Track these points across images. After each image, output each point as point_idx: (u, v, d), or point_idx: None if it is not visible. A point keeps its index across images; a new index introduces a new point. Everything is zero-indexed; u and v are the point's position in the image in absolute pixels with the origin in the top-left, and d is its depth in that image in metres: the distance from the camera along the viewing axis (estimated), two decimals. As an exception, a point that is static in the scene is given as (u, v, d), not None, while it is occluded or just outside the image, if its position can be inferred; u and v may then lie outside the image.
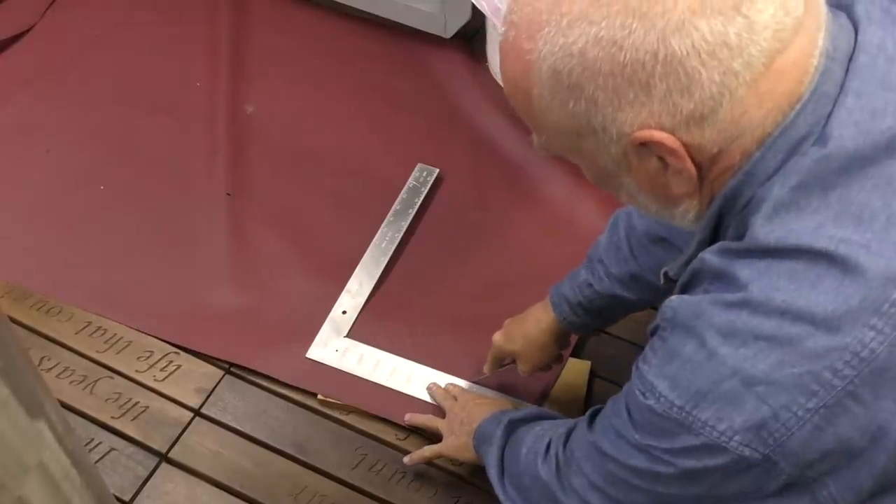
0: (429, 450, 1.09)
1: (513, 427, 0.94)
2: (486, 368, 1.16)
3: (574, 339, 1.20)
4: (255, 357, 1.24)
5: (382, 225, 1.36)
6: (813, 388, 0.58)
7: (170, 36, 1.69)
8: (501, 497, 0.91)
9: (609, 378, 1.21)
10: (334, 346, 1.24)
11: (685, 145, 0.61)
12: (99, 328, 1.27)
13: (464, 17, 1.56)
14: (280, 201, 1.43)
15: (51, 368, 1.23)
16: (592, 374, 1.20)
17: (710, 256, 0.66)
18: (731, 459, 0.61)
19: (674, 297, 0.67)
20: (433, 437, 1.13)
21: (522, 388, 1.19)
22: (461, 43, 1.63)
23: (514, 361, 1.13)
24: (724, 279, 0.64)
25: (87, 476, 0.60)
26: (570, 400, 1.18)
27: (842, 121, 0.60)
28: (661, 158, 0.63)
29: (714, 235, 0.69)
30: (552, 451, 0.83)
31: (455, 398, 1.13)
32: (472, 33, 1.63)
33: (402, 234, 1.35)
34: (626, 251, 1.01)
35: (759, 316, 0.60)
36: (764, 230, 0.61)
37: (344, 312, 1.27)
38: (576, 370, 1.20)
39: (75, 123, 1.54)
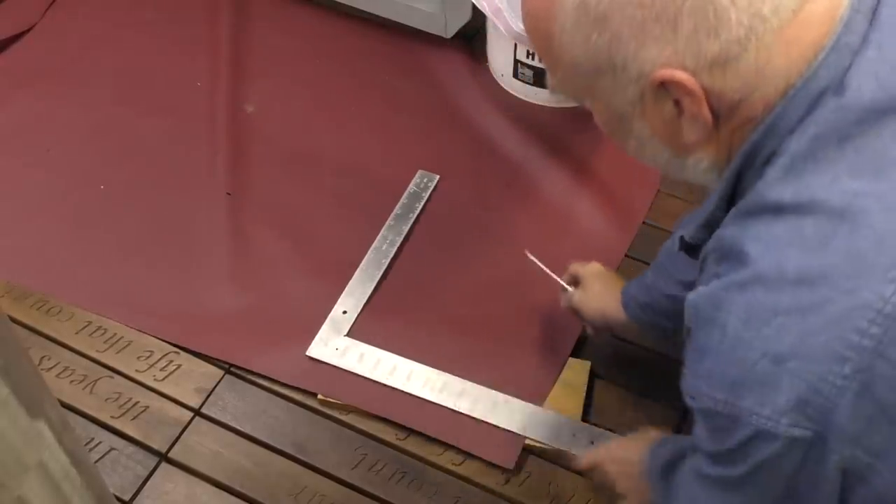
0: None
1: (666, 473, 0.87)
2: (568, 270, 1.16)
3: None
4: (255, 357, 1.24)
5: (383, 229, 1.36)
6: (845, 353, 0.57)
7: (170, 36, 1.69)
8: None
9: (609, 378, 1.21)
10: (335, 345, 1.24)
11: (705, 90, 0.61)
12: (99, 328, 1.27)
13: (464, 18, 1.56)
14: (280, 201, 1.43)
15: (51, 368, 1.23)
16: (592, 374, 1.20)
17: (721, 231, 0.65)
18: (784, 444, 0.60)
19: (691, 295, 0.66)
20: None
21: (523, 388, 1.19)
22: (461, 43, 1.63)
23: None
24: (731, 257, 0.63)
25: (87, 476, 0.60)
26: (570, 400, 1.18)
27: (861, 72, 0.59)
28: (677, 103, 0.63)
29: (733, 193, 0.67)
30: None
31: (600, 462, 1.04)
32: (473, 33, 1.63)
33: (402, 238, 1.35)
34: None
35: (773, 291, 0.59)
36: (779, 185, 0.61)
37: (344, 312, 1.27)
38: (576, 370, 1.20)
39: (75, 123, 1.54)
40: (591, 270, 1.14)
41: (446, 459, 1.14)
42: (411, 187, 1.42)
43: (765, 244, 0.60)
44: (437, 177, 1.43)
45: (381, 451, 1.15)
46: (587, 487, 1.11)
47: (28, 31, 1.69)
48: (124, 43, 1.68)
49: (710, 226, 0.70)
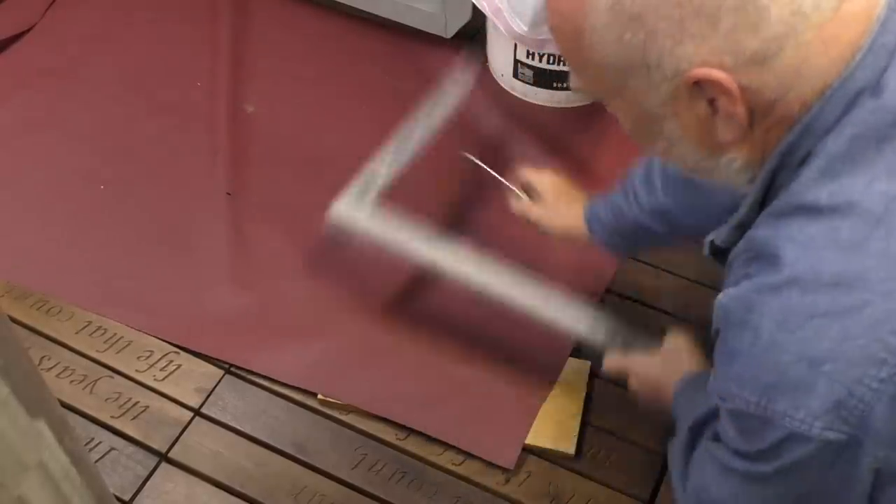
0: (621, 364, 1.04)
1: (697, 432, 0.85)
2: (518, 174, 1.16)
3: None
4: (255, 357, 1.24)
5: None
6: (881, 356, 0.57)
7: (170, 35, 1.69)
8: (679, 495, 0.85)
9: (609, 378, 1.21)
10: (364, 208, 1.21)
11: (741, 88, 0.59)
12: (99, 328, 1.27)
13: (464, 18, 1.56)
14: (280, 201, 1.43)
15: (51, 368, 1.23)
16: (592, 375, 1.20)
17: (753, 232, 0.64)
18: (818, 447, 0.60)
19: (721, 297, 0.65)
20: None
21: (523, 387, 1.19)
22: (462, 43, 1.63)
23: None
24: (763, 259, 0.62)
25: (87, 475, 0.60)
26: (569, 400, 1.18)
27: None
28: (711, 102, 0.61)
29: (765, 197, 0.66)
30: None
31: (640, 379, 1.03)
32: (473, 33, 1.63)
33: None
34: (659, 185, 0.99)
35: (809, 294, 0.58)
36: (815, 186, 0.60)
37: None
38: (576, 370, 1.20)
39: (75, 123, 1.54)
40: (548, 182, 1.14)
41: (446, 459, 1.14)
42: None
43: (800, 246, 0.60)
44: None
45: (381, 450, 1.15)
46: (587, 487, 1.11)
47: (28, 30, 1.69)
48: (124, 43, 1.68)
49: (743, 228, 0.69)
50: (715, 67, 0.59)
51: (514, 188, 1.15)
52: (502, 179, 1.15)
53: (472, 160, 1.15)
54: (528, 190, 1.16)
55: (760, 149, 0.64)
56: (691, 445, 0.84)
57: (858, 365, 0.57)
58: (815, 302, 0.58)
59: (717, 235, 0.72)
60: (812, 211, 0.60)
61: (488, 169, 1.14)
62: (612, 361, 1.06)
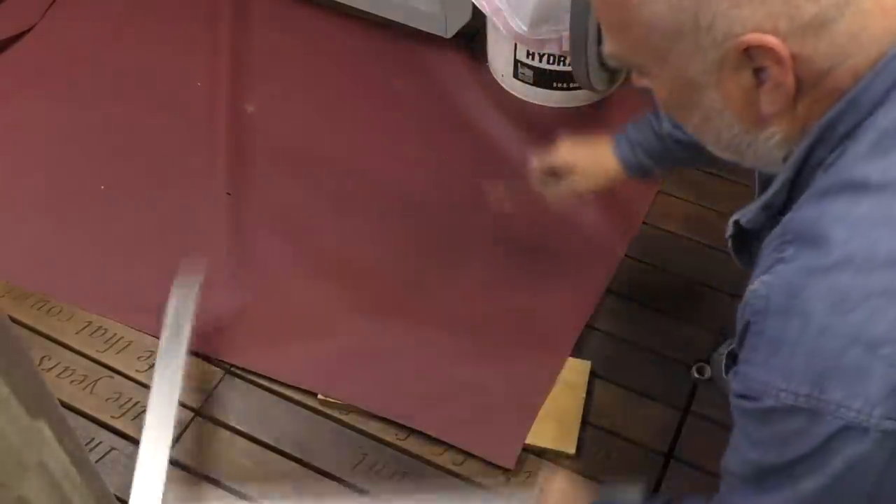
0: None
1: None
2: (536, 162, 1.17)
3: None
4: (256, 357, 1.24)
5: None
6: None
7: (170, 36, 1.69)
8: None
9: (609, 378, 1.21)
10: None
11: (793, 56, 0.57)
12: (99, 328, 1.27)
13: (464, 18, 1.56)
14: (280, 201, 1.43)
15: (51, 368, 1.23)
16: (592, 375, 1.20)
17: (791, 214, 0.60)
18: (876, 440, 0.55)
19: (755, 286, 0.60)
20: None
21: (523, 387, 1.19)
22: (462, 43, 1.63)
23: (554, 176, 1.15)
24: (806, 241, 0.58)
25: (87, 475, 0.60)
26: (570, 400, 1.18)
27: None
28: (757, 72, 0.59)
29: (797, 176, 0.63)
30: None
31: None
32: (473, 33, 1.63)
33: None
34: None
35: (863, 273, 0.55)
36: (864, 162, 0.57)
37: None
38: (576, 370, 1.20)
39: (76, 123, 1.54)
40: (565, 151, 1.15)
41: (447, 459, 1.14)
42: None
43: (849, 226, 0.56)
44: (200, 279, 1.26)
45: (382, 450, 1.15)
46: (587, 487, 1.11)
47: (28, 31, 1.69)
48: (124, 43, 1.68)
49: (770, 210, 0.66)
50: (769, 33, 0.56)
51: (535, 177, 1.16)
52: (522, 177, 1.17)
53: (495, 188, 1.16)
54: (553, 170, 1.16)
55: (801, 123, 0.61)
56: None
57: None
58: (870, 282, 0.54)
59: (743, 215, 0.69)
60: (861, 188, 0.56)
61: (507, 184, 1.15)
62: None
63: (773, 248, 0.61)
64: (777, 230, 0.62)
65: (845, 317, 0.55)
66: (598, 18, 0.66)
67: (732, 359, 0.81)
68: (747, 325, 0.61)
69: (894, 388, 0.54)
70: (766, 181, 0.68)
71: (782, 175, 0.64)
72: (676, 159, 1.06)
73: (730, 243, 0.73)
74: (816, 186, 0.60)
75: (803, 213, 0.60)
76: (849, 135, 0.58)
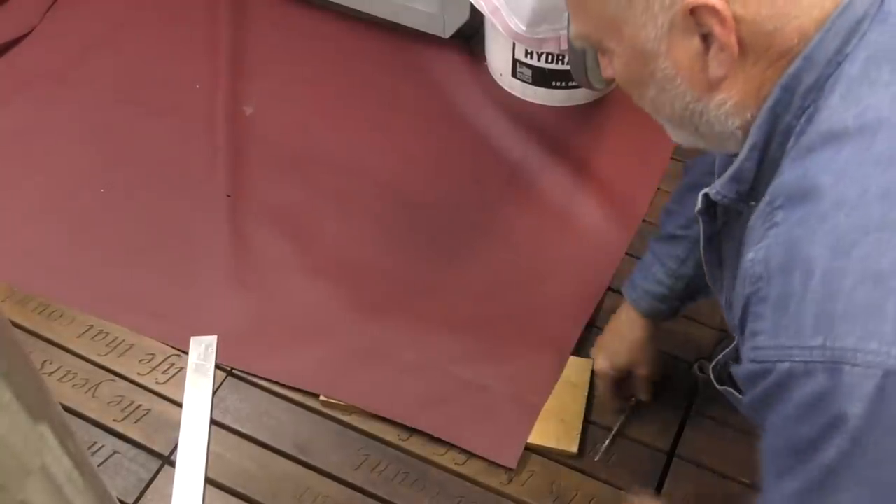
0: None
1: None
2: (609, 400, 1.15)
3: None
4: (257, 359, 1.24)
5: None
6: None
7: (169, 38, 1.69)
8: None
9: (611, 376, 1.21)
10: None
11: (736, 18, 0.60)
12: (101, 331, 1.27)
13: (462, 17, 1.56)
14: (280, 202, 1.43)
15: (53, 372, 1.23)
16: (593, 373, 1.20)
17: (777, 180, 0.61)
18: None
19: (751, 255, 0.59)
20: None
21: (525, 386, 1.19)
22: (460, 43, 1.63)
23: (627, 379, 1.13)
24: (797, 197, 0.58)
25: (90, 479, 0.60)
26: (572, 399, 1.18)
27: None
28: (704, 38, 0.62)
29: (768, 145, 0.64)
30: None
31: None
32: (471, 33, 1.63)
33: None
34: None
35: (860, 210, 0.54)
36: (839, 112, 0.58)
37: None
38: (578, 369, 1.20)
39: (75, 126, 1.54)
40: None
41: (449, 459, 1.14)
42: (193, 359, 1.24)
43: (836, 172, 0.56)
44: (215, 337, 1.26)
45: (384, 451, 1.15)
46: (591, 486, 1.11)
47: (27, 34, 1.69)
48: (123, 45, 1.68)
49: (740, 181, 0.67)
50: None
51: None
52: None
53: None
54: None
55: (756, 88, 0.63)
56: None
57: None
58: (868, 216, 0.54)
59: (712, 188, 0.70)
60: (841, 136, 0.57)
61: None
62: None
63: (763, 220, 0.61)
64: (763, 203, 0.62)
65: (848, 256, 0.53)
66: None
67: (730, 361, 0.80)
68: (748, 300, 0.60)
69: None
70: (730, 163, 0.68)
71: (749, 140, 0.65)
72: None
73: (701, 226, 0.75)
74: (798, 148, 0.61)
75: (787, 175, 0.60)
76: (814, 93, 0.60)
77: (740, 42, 0.61)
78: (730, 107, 0.65)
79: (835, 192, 0.56)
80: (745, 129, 0.66)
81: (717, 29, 0.60)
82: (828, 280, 0.54)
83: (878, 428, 0.53)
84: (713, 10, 0.59)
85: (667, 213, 1.05)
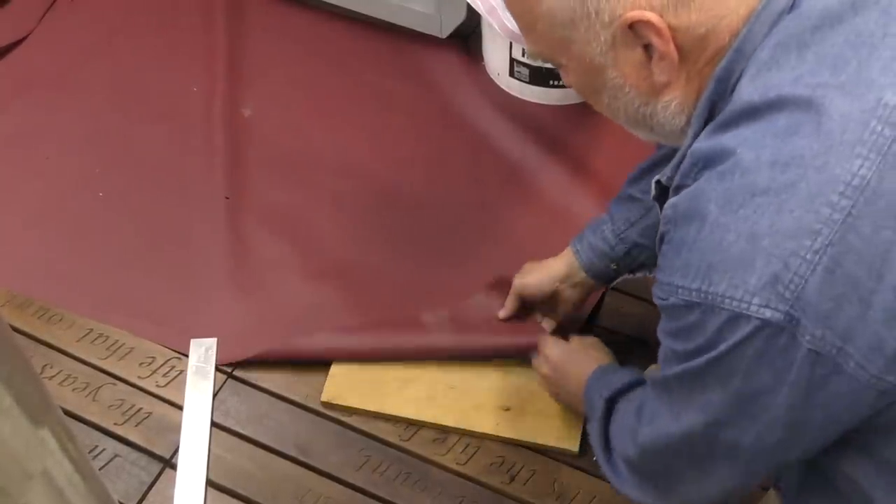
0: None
1: (613, 401, 0.92)
2: (501, 313, 1.20)
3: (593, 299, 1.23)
4: (257, 360, 1.24)
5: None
6: (815, 227, 0.59)
7: (166, 41, 1.69)
8: (609, 475, 0.89)
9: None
10: None
11: (671, 28, 0.65)
12: (100, 335, 1.27)
13: (459, 18, 1.56)
14: (278, 204, 1.43)
15: (53, 376, 1.23)
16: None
17: (696, 145, 0.68)
18: (755, 326, 0.61)
19: (671, 199, 0.69)
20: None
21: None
22: (457, 43, 1.63)
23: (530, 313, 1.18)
24: (711, 158, 0.65)
25: (91, 483, 0.60)
26: (572, 397, 1.18)
27: None
28: (646, 48, 0.67)
29: (706, 126, 0.69)
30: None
31: (548, 360, 1.10)
32: (468, 33, 1.63)
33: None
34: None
35: (750, 174, 0.62)
36: (747, 90, 0.64)
37: None
38: (578, 367, 1.20)
39: (73, 130, 1.54)
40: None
41: (450, 459, 1.14)
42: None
43: (740, 141, 0.63)
44: (215, 339, 1.26)
45: (385, 451, 1.16)
46: (592, 485, 1.11)
47: (24, 39, 1.69)
48: (120, 49, 1.68)
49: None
50: (646, 10, 0.65)
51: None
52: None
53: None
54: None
55: (696, 86, 0.69)
56: (607, 416, 0.90)
57: (793, 237, 0.59)
58: (756, 180, 0.61)
59: (663, 174, 0.75)
60: (750, 113, 0.63)
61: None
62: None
63: (684, 177, 0.68)
64: (685, 165, 0.69)
65: (735, 214, 0.62)
66: (515, 21, 0.75)
67: None
68: (661, 238, 0.70)
69: (771, 277, 0.60)
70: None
71: (691, 129, 0.71)
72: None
73: (659, 211, 0.79)
74: (714, 124, 0.67)
75: (703, 143, 0.67)
76: (738, 80, 0.66)
77: (679, 48, 0.66)
78: (675, 107, 0.71)
79: (735, 157, 0.63)
80: (690, 123, 0.72)
81: (655, 40, 0.66)
82: (713, 232, 0.63)
83: (730, 353, 0.64)
84: (649, 24, 0.65)
85: (631, 177, 1.10)
